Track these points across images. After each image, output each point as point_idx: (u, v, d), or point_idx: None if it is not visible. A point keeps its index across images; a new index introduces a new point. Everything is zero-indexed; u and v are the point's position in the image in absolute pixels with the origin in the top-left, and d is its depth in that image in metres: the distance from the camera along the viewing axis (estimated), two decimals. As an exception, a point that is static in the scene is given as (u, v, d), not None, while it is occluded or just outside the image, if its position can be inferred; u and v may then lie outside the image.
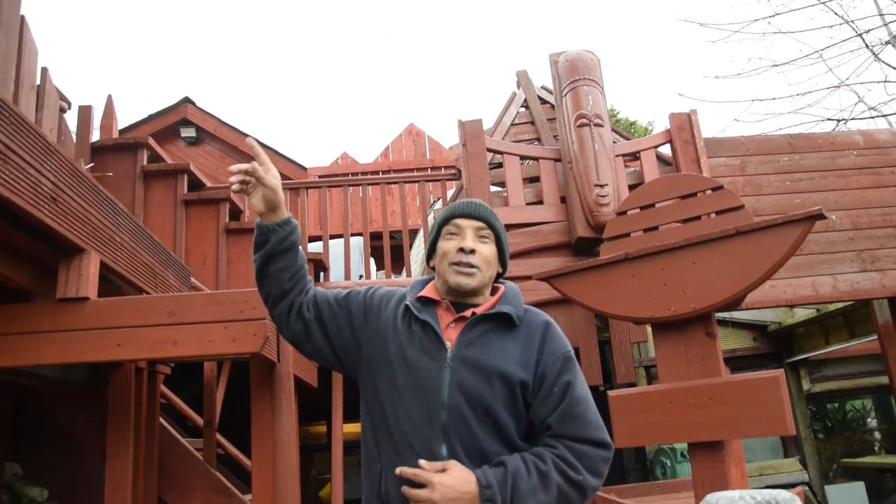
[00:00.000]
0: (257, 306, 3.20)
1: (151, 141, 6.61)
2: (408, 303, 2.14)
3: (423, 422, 1.99)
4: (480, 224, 2.19)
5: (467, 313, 2.12)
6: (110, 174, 6.32)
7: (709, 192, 3.54)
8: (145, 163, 6.47)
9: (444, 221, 2.23)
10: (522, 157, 6.41)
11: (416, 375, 2.03)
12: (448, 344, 2.05)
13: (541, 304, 5.71)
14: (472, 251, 2.14)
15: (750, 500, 2.36)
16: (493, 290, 2.24)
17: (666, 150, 6.71)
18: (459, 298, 2.16)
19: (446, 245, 2.18)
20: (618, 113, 21.00)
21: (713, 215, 3.49)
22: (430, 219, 7.92)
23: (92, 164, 6.26)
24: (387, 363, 2.10)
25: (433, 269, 2.24)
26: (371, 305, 2.22)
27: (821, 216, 3.01)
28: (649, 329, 6.83)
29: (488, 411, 1.99)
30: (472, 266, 2.13)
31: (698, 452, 3.13)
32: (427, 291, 2.19)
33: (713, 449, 3.10)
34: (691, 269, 3.27)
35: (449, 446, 1.97)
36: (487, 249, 2.17)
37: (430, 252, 2.24)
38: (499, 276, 2.26)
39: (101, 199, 3.28)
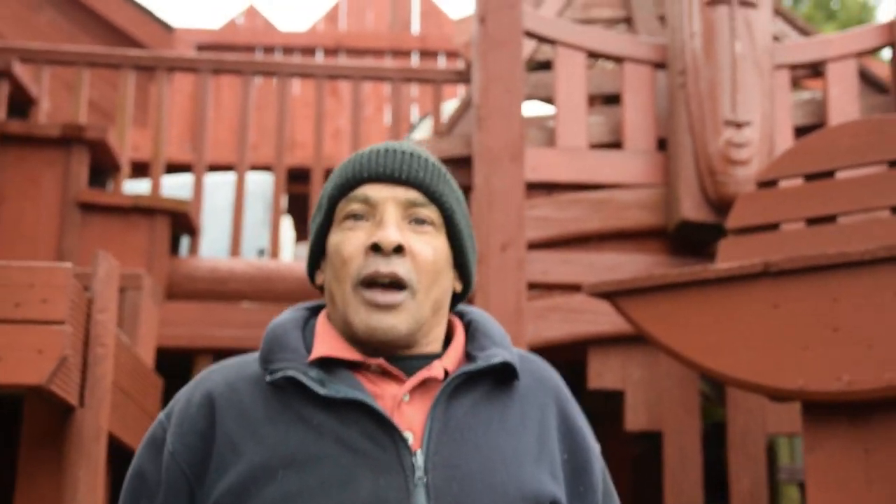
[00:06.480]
0: (50, 296, 2.16)
1: None
2: (293, 374, 1.29)
3: None
4: (413, 194, 1.36)
5: (431, 371, 1.31)
6: None
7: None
8: None
9: (340, 189, 1.39)
10: (592, 54, 4.28)
11: None
12: (410, 437, 1.27)
13: (591, 342, 3.95)
14: (400, 248, 1.32)
15: None
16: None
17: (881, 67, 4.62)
18: (387, 350, 1.34)
19: (346, 241, 1.34)
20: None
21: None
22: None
23: None
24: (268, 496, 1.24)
25: (321, 289, 1.42)
26: (194, 463, 1.28)
27: None
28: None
29: None
30: (396, 286, 1.30)
31: None
32: (326, 345, 1.33)
33: None
34: (894, 305, 2.48)
35: None
36: (429, 246, 1.36)
37: (315, 256, 1.41)
38: (456, 299, 1.46)
39: None
